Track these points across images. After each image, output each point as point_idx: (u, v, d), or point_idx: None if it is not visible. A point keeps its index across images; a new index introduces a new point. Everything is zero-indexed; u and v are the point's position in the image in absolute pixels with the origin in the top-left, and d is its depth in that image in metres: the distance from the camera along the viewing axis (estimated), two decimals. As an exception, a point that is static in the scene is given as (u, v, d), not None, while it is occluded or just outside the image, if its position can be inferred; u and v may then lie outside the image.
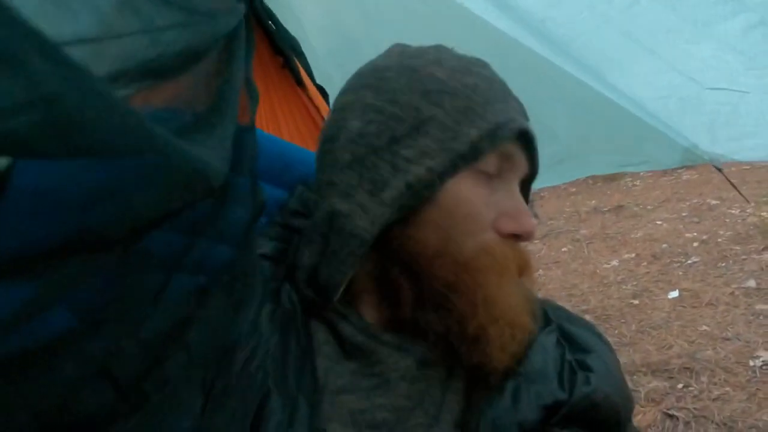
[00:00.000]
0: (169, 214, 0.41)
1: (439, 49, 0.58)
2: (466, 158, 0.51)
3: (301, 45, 1.57)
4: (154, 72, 0.40)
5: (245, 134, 0.53)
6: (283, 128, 1.45)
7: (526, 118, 0.57)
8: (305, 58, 1.59)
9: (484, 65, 0.58)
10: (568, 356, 0.55)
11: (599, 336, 0.60)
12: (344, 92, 0.58)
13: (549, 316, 0.59)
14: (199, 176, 0.41)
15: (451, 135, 0.51)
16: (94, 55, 0.35)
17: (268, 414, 0.47)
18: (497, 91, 0.55)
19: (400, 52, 0.58)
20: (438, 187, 0.51)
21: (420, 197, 0.51)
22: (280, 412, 0.47)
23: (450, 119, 0.52)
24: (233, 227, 0.52)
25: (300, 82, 1.48)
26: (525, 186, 0.60)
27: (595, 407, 0.51)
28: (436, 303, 0.50)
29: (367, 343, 0.52)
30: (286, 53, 1.40)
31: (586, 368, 0.53)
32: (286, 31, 1.47)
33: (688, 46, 0.92)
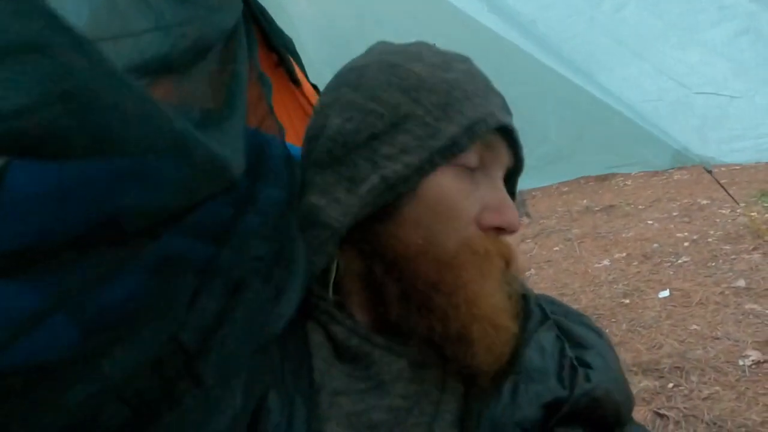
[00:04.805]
0: (191, 206, 0.41)
1: (420, 45, 0.58)
2: (445, 154, 0.51)
3: (295, 43, 1.56)
4: (160, 68, 0.40)
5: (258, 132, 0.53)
6: (278, 127, 1.44)
7: (508, 113, 0.57)
8: (299, 57, 1.58)
9: (466, 60, 0.58)
10: (569, 352, 0.54)
11: (597, 331, 0.60)
12: (326, 91, 0.59)
13: (546, 312, 0.59)
14: (219, 169, 0.41)
15: (430, 131, 0.51)
16: (111, 51, 0.35)
17: (265, 413, 0.47)
18: (478, 85, 0.55)
19: (381, 49, 0.58)
20: (416, 182, 0.51)
21: (396, 192, 0.51)
22: (279, 412, 0.47)
23: (429, 115, 0.52)
24: (269, 208, 0.52)
25: (295, 80, 1.47)
26: (511, 181, 0.61)
27: (596, 404, 0.50)
28: (419, 303, 0.50)
29: (360, 346, 0.51)
30: (279, 51, 1.39)
31: (585, 365, 0.53)
32: (279, 29, 1.46)
33: (675, 52, 0.92)
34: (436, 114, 0.52)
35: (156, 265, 0.41)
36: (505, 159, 0.56)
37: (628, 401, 0.55)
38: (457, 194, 0.52)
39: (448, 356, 0.50)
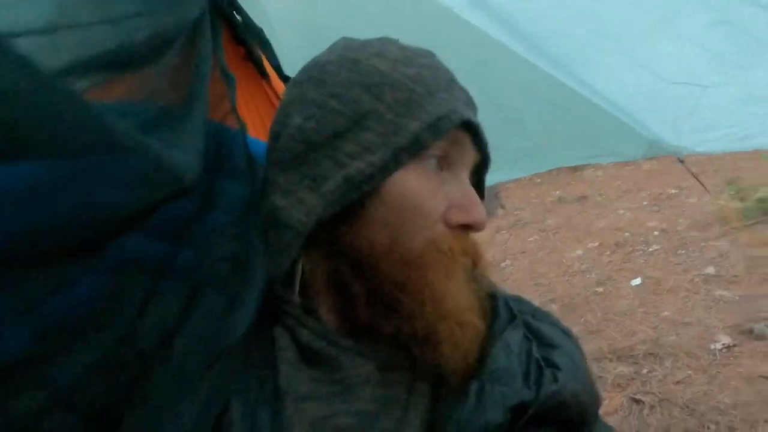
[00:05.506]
0: (139, 213, 0.39)
1: (383, 41, 0.57)
2: (408, 151, 0.50)
3: (268, 36, 1.53)
4: (114, 63, 0.38)
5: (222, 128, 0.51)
6: (247, 121, 1.41)
7: (473, 108, 0.56)
8: (271, 48, 1.54)
9: (429, 55, 0.57)
10: (536, 353, 0.53)
11: (565, 331, 0.59)
12: (289, 88, 0.57)
13: (513, 311, 0.58)
14: (165, 172, 0.39)
15: (393, 128, 0.50)
16: (49, 46, 0.33)
17: (227, 425, 0.45)
18: (441, 80, 0.54)
19: (343, 45, 0.57)
20: (380, 180, 0.50)
21: (360, 190, 0.50)
22: (241, 422, 0.46)
23: (391, 112, 0.51)
24: (234, 206, 0.51)
25: (263, 73, 1.44)
26: (478, 176, 0.60)
27: (562, 406, 0.50)
28: (386, 303, 0.49)
29: (327, 350, 0.50)
30: (248, 43, 1.35)
31: (553, 365, 0.52)
32: (250, 20, 1.42)
33: (651, 42, 0.93)
34: (398, 110, 0.51)
35: (113, 266, 0.39)
36: (470, 155, 0.55)
37: (595, 401, 0.55)
38: (422, 192, 0.51)
39: (416, 356, 0.50)
